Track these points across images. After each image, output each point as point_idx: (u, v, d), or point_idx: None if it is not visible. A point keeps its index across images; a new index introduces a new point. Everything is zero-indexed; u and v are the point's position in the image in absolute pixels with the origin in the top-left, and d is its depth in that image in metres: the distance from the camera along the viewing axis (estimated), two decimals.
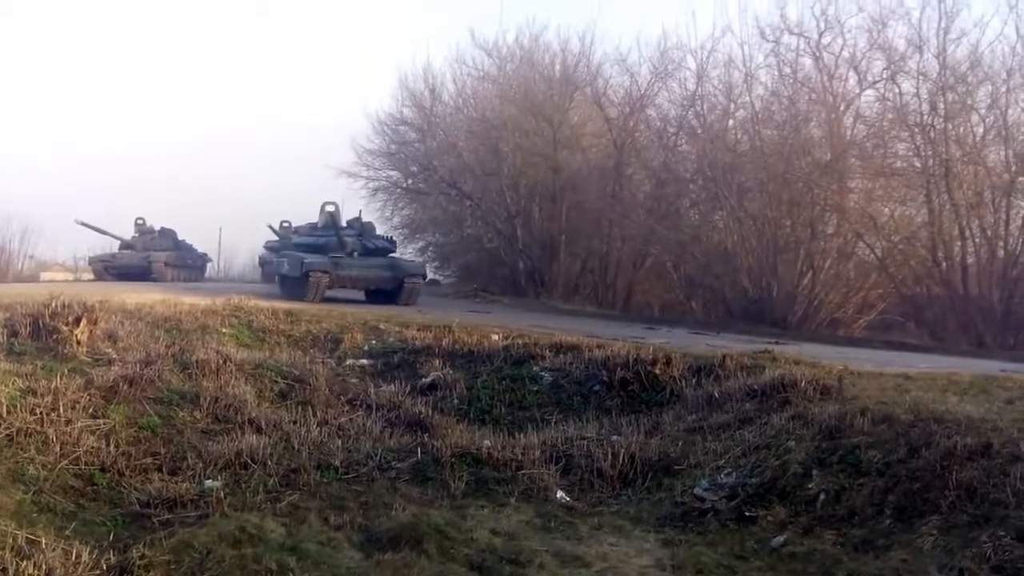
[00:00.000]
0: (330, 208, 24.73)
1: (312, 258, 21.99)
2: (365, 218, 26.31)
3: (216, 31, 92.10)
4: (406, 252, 37.17)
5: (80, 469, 8.03)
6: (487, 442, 9.69)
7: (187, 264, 34.21)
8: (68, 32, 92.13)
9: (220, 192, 59.01)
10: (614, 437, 9.92)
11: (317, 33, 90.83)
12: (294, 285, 22.15)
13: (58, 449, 8.14)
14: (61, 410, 8.71)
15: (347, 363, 13.56)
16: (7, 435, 8.13)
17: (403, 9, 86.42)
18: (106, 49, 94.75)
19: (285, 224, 28.92)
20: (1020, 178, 21.76)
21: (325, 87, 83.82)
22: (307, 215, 28.19)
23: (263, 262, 32.47)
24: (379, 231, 26.90)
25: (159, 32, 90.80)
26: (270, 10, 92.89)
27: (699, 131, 27.56)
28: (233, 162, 74.93)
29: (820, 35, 24.91)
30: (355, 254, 22.88)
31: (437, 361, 13.12)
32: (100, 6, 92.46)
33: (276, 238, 31.05)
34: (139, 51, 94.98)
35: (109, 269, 32.57)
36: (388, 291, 22.58)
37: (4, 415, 8.34)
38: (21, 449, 8.03)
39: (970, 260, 22.13)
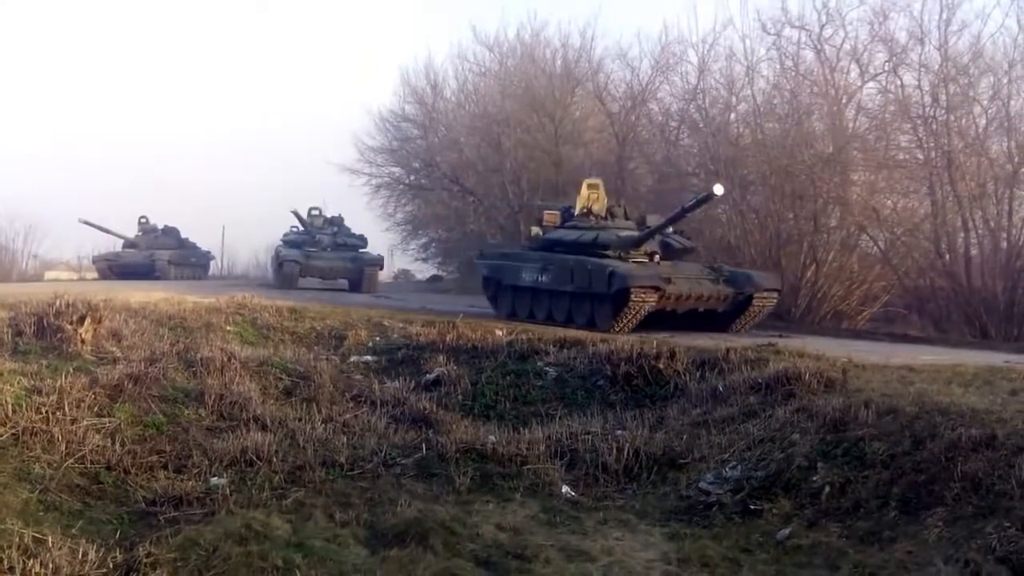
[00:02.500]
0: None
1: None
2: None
3: (217, 31, 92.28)
4: (409, 248, 37.41)
5: (86, 468, 8.05)
6: (492, 437, 9.71)
7: (190, 262, 34.33)
8: (69, 32, 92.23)
9: (223, 190, 58.99)
10: (619, 431, 9.94)
11: (318, 33, 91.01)
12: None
13: (64, 448, 8.16)
14: (66, 409, 8.73)
15: (351, 360, 13.57)
16: (13, 434, 8.16)
17: (404, 9, 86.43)
18: (108, 49, 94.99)
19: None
20: (1023, 169, 21.69)
21: (326, 87, 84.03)
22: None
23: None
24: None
25: (161, 32, 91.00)
26: (271, 10, 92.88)
27: (701, 125, 27.49)
28: (236, 161, 74.84)
29: (821, 28, 24.83)
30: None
31: (441, 357, 13.12)
32: (101, 6, 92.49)
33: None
34: (141, 51, 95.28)
35: (113, 268, 32.70)
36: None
37: (10, 414, 8.37)
38: (27, 448, 8.06)
39: (973, 252, 22.04)
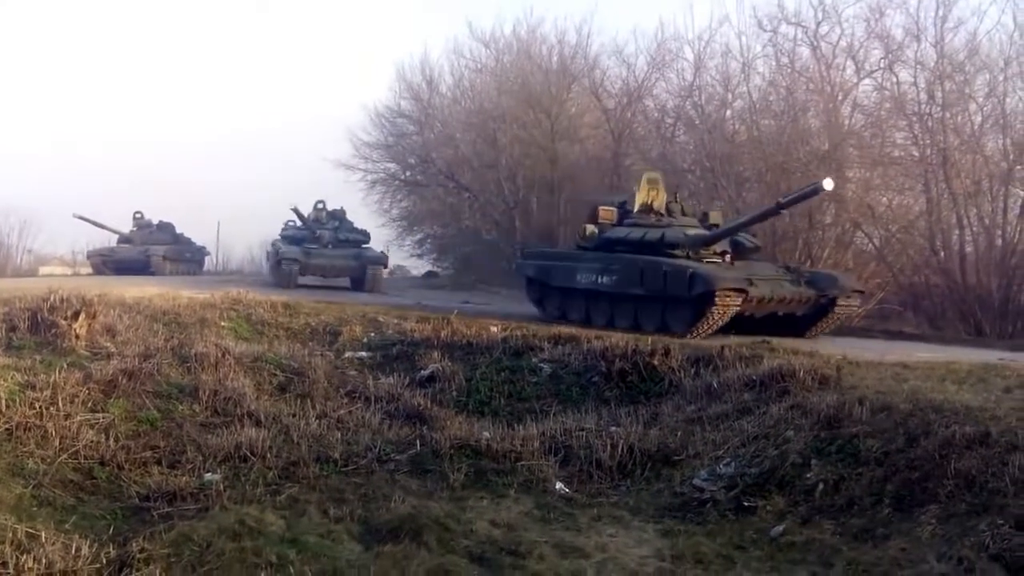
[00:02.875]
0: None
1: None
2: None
3: (216, 31, 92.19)
4: (404, 244, 37.32)
5: (80, 463, 8.04)
6: (486, 434, 9.70)
7: (185, 258, 34.27)
8: (70, 31, 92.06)
9: (221, 189, 58.97)
10: (613, 428, 9.94)
11: (318, 33, 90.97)
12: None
13: (57, 443, 8.15)
14: (60, 404, 8.72)
15: (346, 356, 13.56)
16: (6, 429, 8.14)
17: (403, 8, 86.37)
18: (108, 48, 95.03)
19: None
20: (1018, 167, 21.71)
21: (326, 86, 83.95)
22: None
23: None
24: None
25: (160, 31, 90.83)
26: (271, 9, 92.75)
27: (697, 122, 27.50)
28: (235, 160, 75.06)
29: (818, 24, 24.86)
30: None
31: (436, 353, 13.11)
32: (102, 5, 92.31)
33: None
34: (140, 50, 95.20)
35: (107, 263, 32.62)
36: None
37: (3, 409, 8.36)
38: (20, 443, 8.05)
39: (968, 249, 22.09)
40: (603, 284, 16.37)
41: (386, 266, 28.14)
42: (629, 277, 15.90)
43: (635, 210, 17.77)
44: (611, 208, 18.14)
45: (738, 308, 14.86)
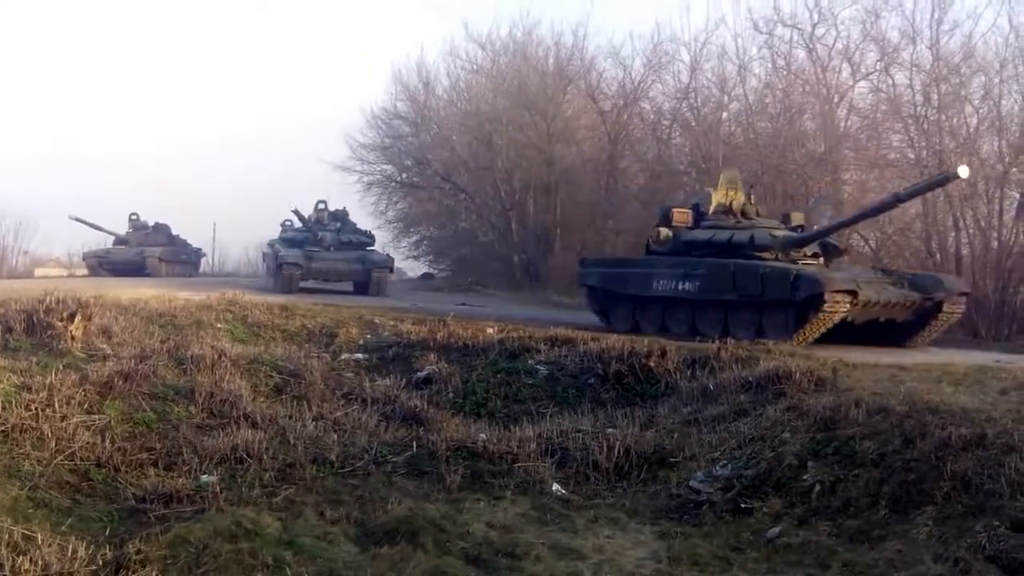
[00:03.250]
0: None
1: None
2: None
3: (214, 32, 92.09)
4: (400, 246, 37.25)
5: (76, 465, 8.03)
6: (483, 435, 9.71)
7: (181, 259, 34.18)
8: (66, 32, 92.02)
9: (215, 188, 58.96)
10: (609, 430, 9.94)
11: (317, 34, 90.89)
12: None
13: (53, 445, 8.14)
14: (56, 406, 8.71)
15: (342, 358, 13.55)
16: (2, 431, 8.14)
17: (402, 9, 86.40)
18: (104, 49, 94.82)
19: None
20: (1014, 169, 21.75)
21: (322, 87, 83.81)
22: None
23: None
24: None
25: (158, 32, 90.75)
26: (270, 10, 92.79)
27: (693, 124, 27.54)
28: (231, 158, 75.11)
29: (813, 27, 24.94)
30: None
31: (432, 355, 13.10)
32: (101, 5, 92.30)
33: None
34: (137, 51, 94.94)
35: (103, 265, 32.53)
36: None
37: None
38: (16, 445, 8.03)
39: (964, 251, 22.11)
40: (685, 290, 15.37)
41: (392, 270, 27.06)
42: (718, 282, 14.89)
43: (710, 211, 16.81)
44: (685, 210, 17.00)
45: (846, 312, 13.86)
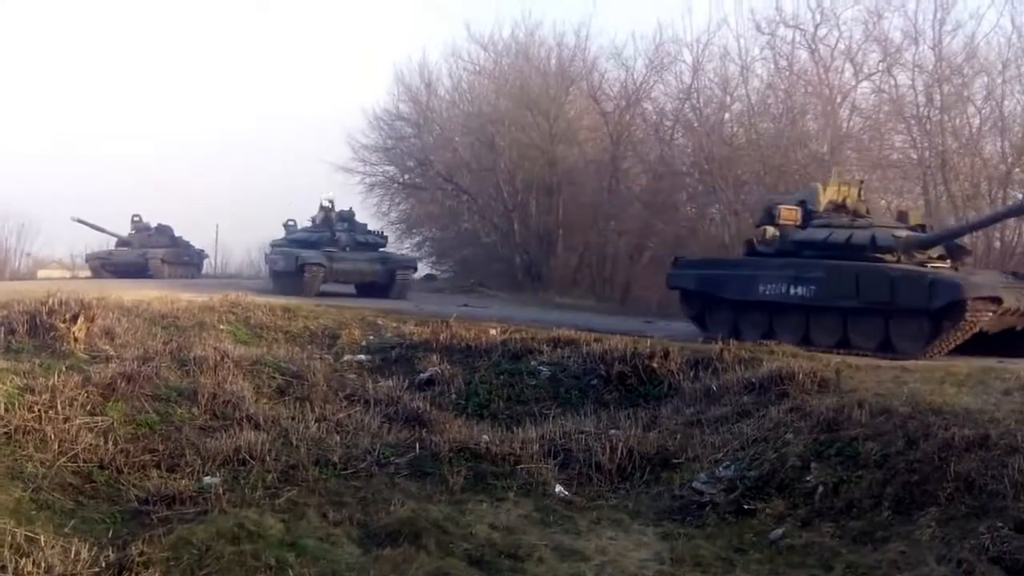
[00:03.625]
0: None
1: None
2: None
3: (215, 33, 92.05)
4: (403, 247, 37.15)
5: (79, 466, 8.03)
6: (485, 437, 9.71)
7: (184, 261, 34.15)
8: (67, 33, 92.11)
9: (218, 189, 58.95)
10: (612, 431, 9.93)
11: (318, 35, 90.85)
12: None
13: (56, 447, 8.14)
14: (59, 408, 8.71)
15: (345, 359, 13.54)
16: (5, 433, 8.14)
17: (403, 9, 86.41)
18: (105, 49, 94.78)
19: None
20: (1016, 169, 21.77)
21: (324, 88, 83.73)
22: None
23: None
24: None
25: (159, 32, 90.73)
26: (270, 10, 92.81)
27: (695, 124, 27.53)
28: (233, 159, 75.01)
29: (816, 27, 24.96)
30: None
31: (435, 356, 13.08)
32: (99, 6, 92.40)
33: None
34: (138, 51, 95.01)
35: (106, 266, 32.55)
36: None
37: (2, 413, 8.35)
38: (19, 447, 8.04)
39: None
40: (796, 295, 14.19)
41: (416, 270, 25.97)
42: (837, 286, 13.75)
43: (820, 208, 15.65)
44: (794, 207, 15.69)
45: (988, 321, 12.78)
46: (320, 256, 22.08)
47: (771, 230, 15.48)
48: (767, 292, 14.58)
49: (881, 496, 7.49)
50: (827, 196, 15.80)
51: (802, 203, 15.82)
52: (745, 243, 16.85)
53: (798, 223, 15.47)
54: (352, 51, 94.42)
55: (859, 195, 16.19)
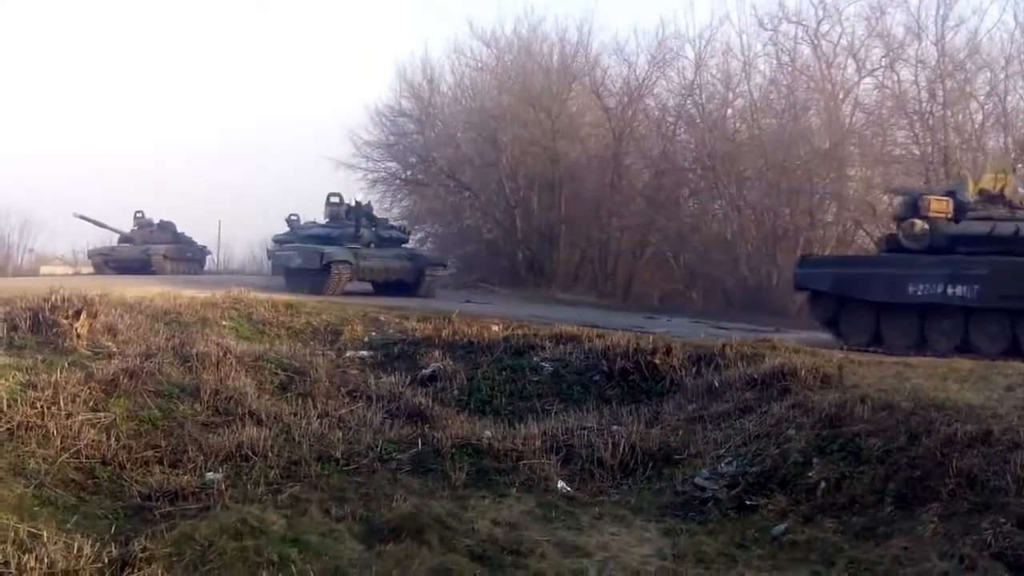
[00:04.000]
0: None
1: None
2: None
3: (217, 30, 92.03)
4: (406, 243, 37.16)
5: (81, 462, 8.03)
6: (488, 433, 9.70)
7: (186, 257, 34.18)
8: (70, 30, 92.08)
9: (220, 186, 58.92)
10: (614, 427, 9.93)
11: (318, 33, 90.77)
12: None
13: (59, 443, 8.15)
14: (62, 404, 8.71)
15: (347, 355, 13.55)
16: (8, 429, 8.14)
17: (404, 8, 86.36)
18: (108, 47, 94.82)
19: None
20: (1019, 164, 21.72)
21: (326, 85, 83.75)
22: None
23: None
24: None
25: (160, 30, 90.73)
26: (271, 9, 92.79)
27: (698, 120, 27.55)
28: (234, 158, 75.05)
29: (818, 23, 24.97)
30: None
31: (437, 352, 13.10)
32: (101, 5, 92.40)
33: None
34: (141, 49, 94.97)
35: (108, 262, 32.57)
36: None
37: (5, 409, 8.35)
38: (22, 443, 8.04)
39: None
40: (956, 296, 13.11)
41: (445, 267, 24.85)
42: (1008, 285, 12.65)
43: (973, 200, 14.57)
44: (944, 198, 14.50)
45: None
46: (346, 253, 20.38)
47: (920, 224, 14.32)
48: (919, 293, 13.48)
49: (883, 492, 7.48)
50: (979, 186, 14.85)
51: (952, 194, 14.78)
52: (884, 238, 15.79)
53: (949, 216, 14.36)
54: (352, 51, 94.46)
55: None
